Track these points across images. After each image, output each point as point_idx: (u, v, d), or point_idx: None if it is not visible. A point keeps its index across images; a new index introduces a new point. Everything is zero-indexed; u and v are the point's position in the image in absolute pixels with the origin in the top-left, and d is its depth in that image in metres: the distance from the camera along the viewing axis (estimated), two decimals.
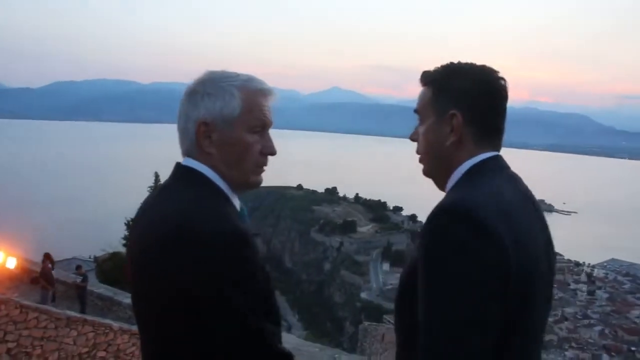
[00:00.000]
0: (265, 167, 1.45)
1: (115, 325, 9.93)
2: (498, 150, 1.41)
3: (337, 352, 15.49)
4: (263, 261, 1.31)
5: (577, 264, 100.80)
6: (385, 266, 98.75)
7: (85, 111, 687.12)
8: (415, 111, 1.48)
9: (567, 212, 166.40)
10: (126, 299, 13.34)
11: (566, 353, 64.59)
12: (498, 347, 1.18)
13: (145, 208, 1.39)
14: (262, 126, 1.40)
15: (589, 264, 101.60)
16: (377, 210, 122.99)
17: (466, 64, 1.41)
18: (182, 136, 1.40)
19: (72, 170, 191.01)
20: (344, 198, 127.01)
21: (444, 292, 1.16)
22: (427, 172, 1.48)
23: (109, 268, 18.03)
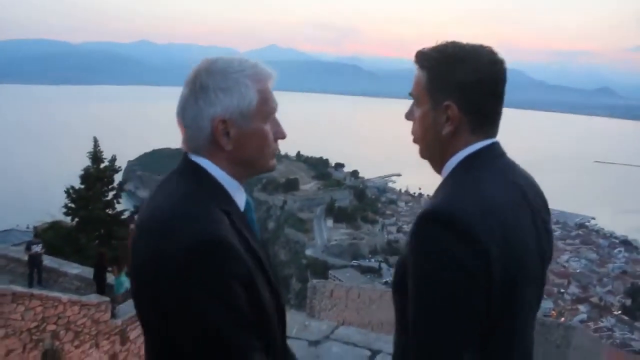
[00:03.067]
0: (277, 151, 1.44)
1: (64, 297, 9.71)
2: (495, 135, 1.40)
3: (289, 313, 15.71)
4: (250, 272, 1.24)
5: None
6: (329, 222, 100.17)
7: (7, 73, 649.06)
8: (410, 94, 1.44)
9: None
10: (73, 269, 13.02)
11: None
12: (483, 348, 1.22)
13: (149, 197, 1.36)
14: (273, 113, 1.39)
15: None
16: (319, 167, 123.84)
17: (464, 46, 1.35)
18: (193, 133, 1.32)
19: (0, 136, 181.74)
20: (286, 156, 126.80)
21: (428, 299, 1.18)
22: (423, 155, 1.47)
23: (51, 238, 17.41)
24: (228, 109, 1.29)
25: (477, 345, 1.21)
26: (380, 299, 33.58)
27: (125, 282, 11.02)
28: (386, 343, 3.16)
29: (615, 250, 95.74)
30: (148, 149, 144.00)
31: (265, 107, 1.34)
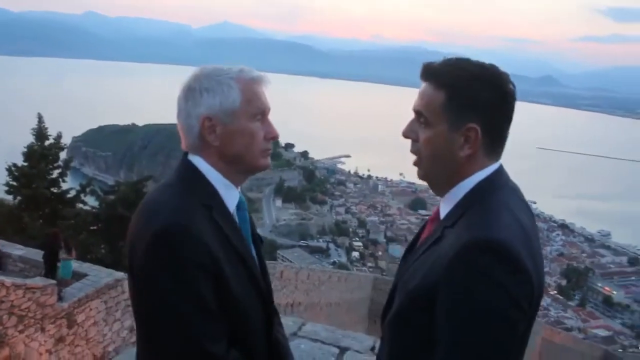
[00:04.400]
0: (270, 151, 1.51)
1: (8, 280, 9.37)
2: (500, 156, 1.36)
3: None
4: (219, 265, 1.34)
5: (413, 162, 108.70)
6: (278, 202, 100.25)
7: None
8: (417, 112, 1.36)
9: None
10: (16, 250, 12.56)
11: None
12: None
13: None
14: (262, 113, 1.45)
15: None
16: None
17: (479, 64, 1.31)
18: (186, 133, 1.45)
19: None
20: None
21: (479, 330, 1.14)
22: (425, 177, 1.40)
23: None
24: (212, 108, 1.40)
25: None
26: (329, 280, 34.05)
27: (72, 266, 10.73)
28: (353, 340, 3.19)
29: (554, 234, 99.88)
30: (94, 125, 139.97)
31: (251, 107, 1.42)
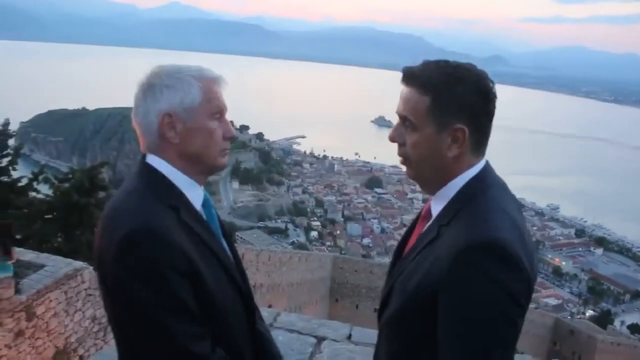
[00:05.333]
0: (228, 150, 1.51)
1: None
2: (485, 153, 1.39)
3: None
4: (191, 265, 1.32)
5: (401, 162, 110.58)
6: (235, 184, 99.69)
7: None
8: (402, 117, 1.37)
9: None
10: None
11: None
12: None
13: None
14: (220, 112, 1.45)
15: None
16: None
17: (458, 65, 1.34)
18: (144, 132, 1.43)
19: None
20: None
21: (480, 329, 1.17)
22: (415, 177, 1.42)
23: None
24: (172, 105, 1.39)
25: None
26: (290, 261, 34.16)
27: None
28: (329, 329, 3.18)
29: None
30: (43, 110, 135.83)
31: (210, 106, 1.42)
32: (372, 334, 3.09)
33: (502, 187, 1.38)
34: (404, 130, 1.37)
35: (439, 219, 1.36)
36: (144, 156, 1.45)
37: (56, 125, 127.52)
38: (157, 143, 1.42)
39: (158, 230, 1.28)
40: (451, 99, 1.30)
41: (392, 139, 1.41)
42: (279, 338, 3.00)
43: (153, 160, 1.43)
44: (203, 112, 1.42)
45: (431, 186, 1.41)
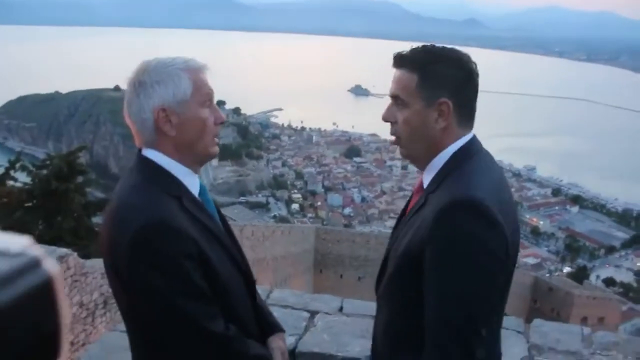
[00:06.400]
0: (219, 135, 1.58)
1: None
2: (472, 127, 1.51)
3: None
4: (200, 251, 1.41)
5: (392, 142, 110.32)
6: (214, 161, 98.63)
7: None
8: (394, 96, 1.49)
9: (381, 95, 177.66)
10: None
11: (386, 223, 71.94)
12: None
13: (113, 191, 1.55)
14: (210, 99, 1.52)
15: None
16: None
17: (442, 47, 1.47)
18: (140, 128, 1.48)
19: None
20: None
21: (460, 279, 1.29)
22: (408, 155, 1.54)
23: None
24: (166, 99, 1.44)
25: (493, 322, 1.39)
26: (273, 235, 34.34)
27: None
28: (321, 302, 3.28)
29: None
30: (13, 96, 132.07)
31: (200, 94, 1.49)
32: (362, 305, 3.22)
33: (487, 156, 1.50)
34: (396, 109, 1.48)
35: (427, 188, 1.46)
36: (140, 150, 1.51)
37: (29, 111, 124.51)
38: (154, 137, 1.47)
39: (169, 223, 1.36)
40: (436, 75, 1.41)
41: (386, 118, 1.50)
42: (274, 314, 3.10)
43: (150, 153, 1.48)
44: (195, 102, 1.47)
45: (422, 161, 1.51)
